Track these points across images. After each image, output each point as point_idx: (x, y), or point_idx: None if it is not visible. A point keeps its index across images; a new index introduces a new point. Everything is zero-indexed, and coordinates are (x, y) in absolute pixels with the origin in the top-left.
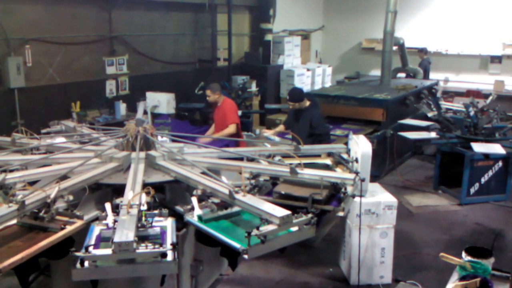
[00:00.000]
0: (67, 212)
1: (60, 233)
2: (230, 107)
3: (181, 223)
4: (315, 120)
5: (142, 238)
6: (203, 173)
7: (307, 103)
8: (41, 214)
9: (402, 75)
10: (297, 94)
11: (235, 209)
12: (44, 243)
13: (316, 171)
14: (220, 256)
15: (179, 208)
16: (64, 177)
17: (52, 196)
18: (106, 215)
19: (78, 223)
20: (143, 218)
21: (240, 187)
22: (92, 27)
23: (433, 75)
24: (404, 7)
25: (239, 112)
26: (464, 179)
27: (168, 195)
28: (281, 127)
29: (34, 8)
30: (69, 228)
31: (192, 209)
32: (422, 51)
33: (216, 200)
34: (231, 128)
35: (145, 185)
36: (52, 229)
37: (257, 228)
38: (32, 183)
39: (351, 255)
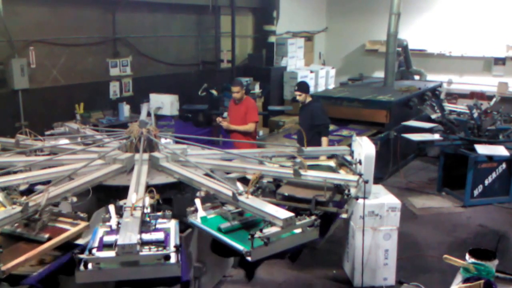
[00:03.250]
0: (71, 214)
1: (64, 235)
2: (254, 105)
3: (184, 225)
4: (315, 111)
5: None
6: (207, 174)
7: (309, 98)
8: (30, 222)
9: None
10: (305, 85)
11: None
12: (48, 245)
13: (320, 173)
14: (238, 266)
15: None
16: (67, 179)
17: (42, 203)
18: (110, 217)
19: (82, 224)
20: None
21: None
22: (95, 28)
23: (437, 77)
24: (407, 9)
25: None
26: (467, 181)
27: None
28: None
29: (38, 9)
30: (73, 230)
31: (196, 210)
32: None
33: (231, 208)
34: (251, 126)
35: (148, 187)
36: (38, 240)
37: (260, 230)
38: (34, 184)
39: (354, 257)
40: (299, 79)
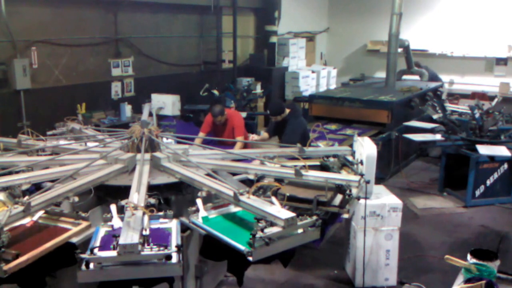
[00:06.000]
0: (72, 214)
1: (66, 234)
2: (238, 119)
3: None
4: (307, 131)
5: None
6: (208, 174)
7: (287, 111)
8: None
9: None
10: (277, 108)
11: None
12: (50, 244)
13: (321, 173)
14: (227, 272)
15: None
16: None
17: (3, 221)
18: (112, 217)
19: (83, 224)
20: None
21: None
22: (97, 29)
23: None
24: (409, 9)
25: (244, 114)
26: (469, 181)
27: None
28: (265, 135)
29: (40, 10)
30: (74, 229)
31: (197, 210)
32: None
33: (275, 229)
34: (239, 145)
35: (150, 187)
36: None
37: (262, 230)
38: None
39: (356, 257)
40: (301, 79)
